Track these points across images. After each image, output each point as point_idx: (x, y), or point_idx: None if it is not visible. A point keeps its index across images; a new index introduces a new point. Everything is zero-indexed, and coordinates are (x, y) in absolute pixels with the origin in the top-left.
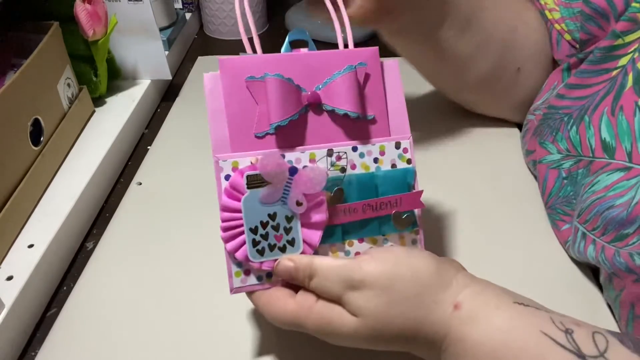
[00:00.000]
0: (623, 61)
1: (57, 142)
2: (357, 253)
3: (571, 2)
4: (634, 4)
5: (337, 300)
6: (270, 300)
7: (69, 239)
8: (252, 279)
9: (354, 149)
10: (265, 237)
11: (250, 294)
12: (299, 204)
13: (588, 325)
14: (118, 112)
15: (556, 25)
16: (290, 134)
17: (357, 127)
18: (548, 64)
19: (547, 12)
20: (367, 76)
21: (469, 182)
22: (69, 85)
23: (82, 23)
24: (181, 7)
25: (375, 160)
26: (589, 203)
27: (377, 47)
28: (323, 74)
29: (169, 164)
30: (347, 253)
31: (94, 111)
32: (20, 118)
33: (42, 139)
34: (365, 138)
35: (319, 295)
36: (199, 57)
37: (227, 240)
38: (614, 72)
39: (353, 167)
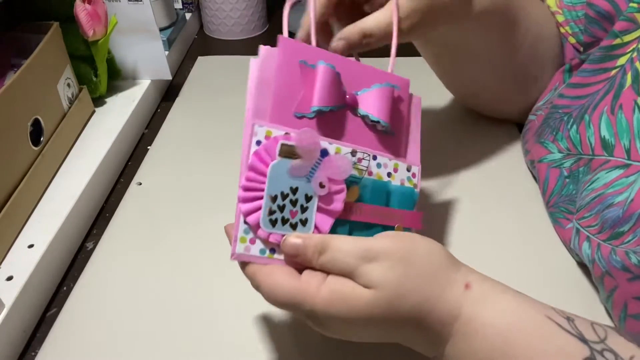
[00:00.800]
0: (622, 61)
1: (57, 142)
2: None
3: (575, 5)
4: (631, 4)
5: (347, 275)
6: (272, 275)
7: (69, 239)
8: (255, 250)
9: (374, 157)
10: (281, 208)
11: (247, 265)
12: (322, 185)
13: (585, 318)
14: (118, 112)
15: (560, 29)
16: (323, 125)
17: (381, 140)
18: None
19: None
20: (398, 98)
21: (468, 182)
22: (69, 85)
23: (82, 23)
24: (181, 7)
25: (389, 174)
26: (588, 200)
27: (409, 79)
28: (363, 84)
29: (169, 164)
30: None
31: (94, 111)
32: (20, 118)
33: (42, 139)
34: (384, 151)
35: (328, 273)
36: (199, 57)
37: (244, 200)
38: (613, 72)
39: (370, 173)
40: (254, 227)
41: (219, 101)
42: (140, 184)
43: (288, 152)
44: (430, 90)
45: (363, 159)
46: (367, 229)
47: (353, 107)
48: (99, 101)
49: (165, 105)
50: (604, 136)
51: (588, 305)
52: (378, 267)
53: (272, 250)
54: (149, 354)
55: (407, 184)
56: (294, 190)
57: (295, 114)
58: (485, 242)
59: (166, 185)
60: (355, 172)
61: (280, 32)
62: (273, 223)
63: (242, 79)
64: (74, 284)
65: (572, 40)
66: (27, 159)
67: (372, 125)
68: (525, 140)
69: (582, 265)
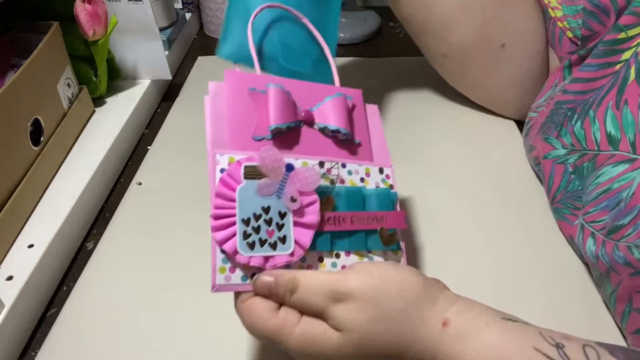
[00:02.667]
0: (626, 55)
1: (57, 142)
2: (344, 266)
3: (574, 0)
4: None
5: (319, 315)
6: (252, 310)
7: (69, 239)
8: (236, 278)
9: (344, 165)
10: (257, 230)
11: (236, 295)
12: (293, 200)
13: (577, 339)
14: (118, 112)
15: (558, 23)
16: (285, 143)
17: (345, 148)
18: (537, 50)
19: (550, 10)
20: (353, 107)
21: (468, 181)
22: (69, 85)
23: (82, 23)
24: (181, 7)
25: (362, 180)
26: (594, 196)
27: (361, 90)
28: (315, 100)
29: (169, 164)
30: (333, 265)
31: (94, 111)
32: (20, 118)
33: (42, 139)
34: (352, 159)
35: (301, 312)
36: (199, 57)
37: (217, 229)
38: (617, 66)
39: (342, 181)
40: (232, 254)
41: None
42: (140, 184)
43: (253, 173)
44: (430, 89)
45: (332, 168)
46: (351, 238)
47: (310, 122)
48: (99, 101)
49: (165, 105)
50: (610, 131)
51: (589, 303)
52: (347, 310)
53: (254, 276)
54: (148, 353)
55: (382, 186)
56: (267, 210)
57: (255, 137)
58: (486, 241)
59: (166, 185)
60: (326, 183)
61: None
62: (251, 246)
63: None
64: (74, 284)
65: (570, 34)
66: (27, 159)
67: (333, 136)
68: (528, 137)
69: (584, 262)
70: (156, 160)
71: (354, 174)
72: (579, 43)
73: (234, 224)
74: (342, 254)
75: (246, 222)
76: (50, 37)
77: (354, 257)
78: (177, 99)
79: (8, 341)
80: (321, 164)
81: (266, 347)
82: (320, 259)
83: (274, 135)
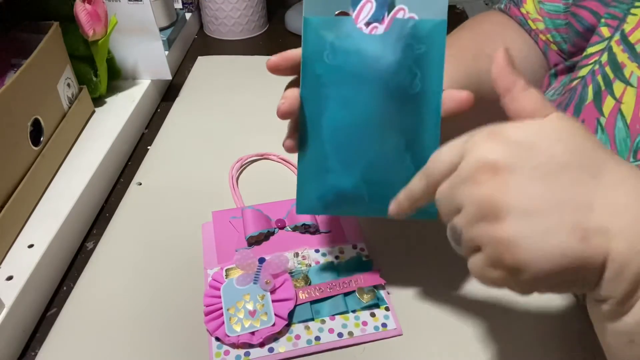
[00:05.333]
0: (583, 72)
1: (57, 142)
2: (331, 330)
3: (558, 14)
4: (602, 19)
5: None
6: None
7: (69, 239)
8: (231, 359)
9: (316, 250)
10: (241, 313)
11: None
12: (267, 282)
13: None
14: (118, 112)
15: (541, 36)
16: (265, 247)
17: (318, 238)
18: (545, 71)
19: (530, 22)
20: None
21: None
22: (69, 85)
23: (82, 23)
24: (181, 7)
25: (337, 257)
26: None
27: None
28: (285, 210)
29: (169, 164)
30: (320, 330)
31: (94, 111)
32: (20, 118)
33: (42, 139)
34: (325, 245)
35: None
36: (199, 57)
37: (208, 321)
38: (574, 83)
39: (317, 262)
40: (223, 337)
41: (219, 101)
42: (140, 184)
43: (234, 272)
44: None
45: (305, 257)
46: (331, 304)
47: (283, 227)
48: (99, 101)
49: (165, 105)
50: None
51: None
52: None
53: (247, 354)
54: (148, 354)
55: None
56: (247, 295)
57: (237, 250)
58: None
59: (166, 185)
60: (302, 267)
61: (280, 32)
62: (237, 327)
63: (242, 78)
64: (74, 284)
65: (554, 47)
66: (27, 159)
67: (306, 231)
68: None
69: None
70: (156, 160)
71: (328, 255)
72: (565, 56)
73: (221, 314)
74: (327, 319)
75: (231, 309)
76: (50, 37)
77: (339, 320)
78: (177, 99)
79: (8, 341)
80: (296, 254)
81: None
82: (307, 327)
83: (252, 243)
